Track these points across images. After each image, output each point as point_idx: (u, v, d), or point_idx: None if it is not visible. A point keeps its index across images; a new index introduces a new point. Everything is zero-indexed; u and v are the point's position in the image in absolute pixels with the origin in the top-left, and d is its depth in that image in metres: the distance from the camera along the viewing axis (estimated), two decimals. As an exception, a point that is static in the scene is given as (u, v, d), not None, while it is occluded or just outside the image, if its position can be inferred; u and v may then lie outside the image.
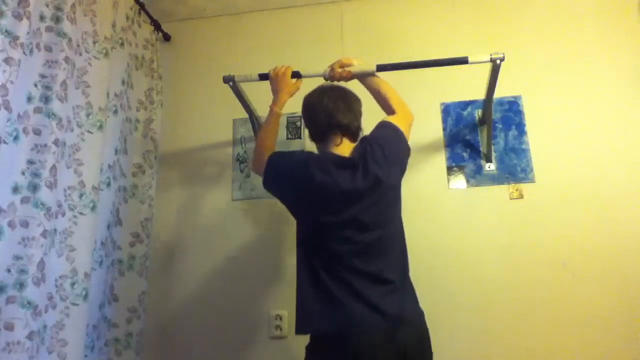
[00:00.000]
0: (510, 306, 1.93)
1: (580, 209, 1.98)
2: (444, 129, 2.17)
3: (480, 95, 1.96)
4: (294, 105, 2.33)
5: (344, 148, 1.55)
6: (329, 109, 1.56)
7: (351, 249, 1.43)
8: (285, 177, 1.56)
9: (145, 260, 2.12)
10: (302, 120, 2.25)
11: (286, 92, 1.75)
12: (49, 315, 1.56)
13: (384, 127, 1.61)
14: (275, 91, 1.75)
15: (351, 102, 1.60)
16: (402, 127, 1.61)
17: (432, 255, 2.00)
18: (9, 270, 1.42)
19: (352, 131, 1.57)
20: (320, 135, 1.59)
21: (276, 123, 1.72)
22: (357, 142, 1.58)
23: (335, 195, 1.45)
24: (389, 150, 1.52)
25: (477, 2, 2.31)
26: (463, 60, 1.73)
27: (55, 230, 1.61)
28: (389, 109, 1.69)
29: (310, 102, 1.62)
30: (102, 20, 1.91)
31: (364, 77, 1.75)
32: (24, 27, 1.49)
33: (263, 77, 1.83)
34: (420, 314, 1.47)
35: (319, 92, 1.62)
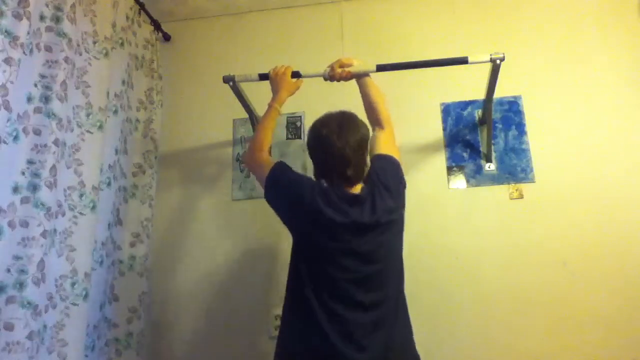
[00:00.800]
0: (510, 306, 1.93)
1: (580, 209, 1.98)
2: (444, 129, 2.17)
3: (480, 95, 1.96)
4: (294, 105, 2.33)
5: (354, 187, 1.49)
6: (345, 156, 1.44)
7: (348, 277, 1.40)
8: (288, 199, 1.51)
9: (145, 260, 2.12)
10: (302, 123, 2.28)
11: (286, 91, 1.75)
12: (49, 315, 1.56)
13: (385, 161, 1.56)
14: (275, 90, 1.75)
15: (363, 142, 1.50)
16: (396, 153, 1.60)
17: (432, 255, 2.00)
18: (9, 270, 1.43)
19: (363, 177, 1.50)
20: (331, 179, 1.48)
21: (274, 120, 1.71)
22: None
23: (342, 229, 1.41)
24: (392, 186, 1.50)
25: (477, 2, 2.31)
26: (463, 60, 1.73)
27: (55, 230, 1.61)
28: (376, 121, 1.67)
29: (321, 142, 1.47)
30: (102, 20, 1.91)
31: (362, 77, 1.75)
32: (24, 27, 1.49)
33: (263, 77, 1.83)
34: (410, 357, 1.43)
35: (328, 128, 1.47)
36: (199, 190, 2.27)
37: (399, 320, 1.44)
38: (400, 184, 1.55)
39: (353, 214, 1.41)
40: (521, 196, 2.04)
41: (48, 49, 1.63)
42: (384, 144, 1.61)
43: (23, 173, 1.50)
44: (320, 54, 2.28)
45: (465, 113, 2.18)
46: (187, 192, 2.28)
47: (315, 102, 2.22)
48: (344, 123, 1.48)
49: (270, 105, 1.71)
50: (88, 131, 1.78)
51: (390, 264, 1.46)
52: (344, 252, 1.41)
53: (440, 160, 2.14)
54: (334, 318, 1.37)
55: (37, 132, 1.55)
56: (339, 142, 1.44)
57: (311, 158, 1.55)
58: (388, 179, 1.50)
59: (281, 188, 1.52)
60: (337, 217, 1.40)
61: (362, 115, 1.62)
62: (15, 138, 1.49)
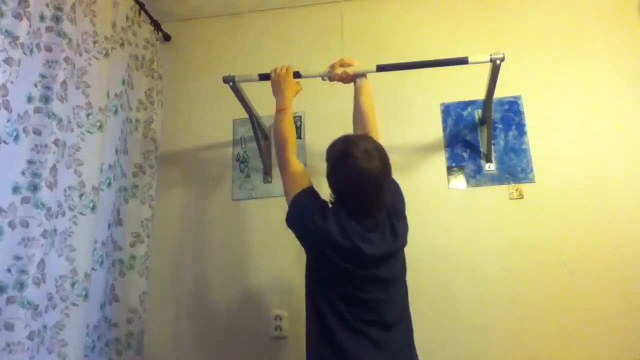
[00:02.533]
0: (510, 306, 1.93)
1: (580, 209, 1.98)
2: (444, 129, 2.17)
3: (480, 95, 1.96)
4: (294, 105, 2.32)
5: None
6: (382, 193, 1.40)
7: (377, 300, 1.39)
8: (312, 228, 1.39)
9: (145, 260, 2.12)
10: (302, 123, 2.27)
11: (292, 91, 1.71)
12: (49, 316, 1.56)
13: (392, 183, 1.52)
14: (279, 91, 1.70)
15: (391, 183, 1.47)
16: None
17: (432, 255, 2.00)
18: (9, 270, 1.43)
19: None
20: (358, 211, 1.40)
21: (292, 121, 1.64)
22: None
23: (371, 260, 1.38)
24: (401, 208, 1.51)
25: (477, 2, 2.31)
26: (463, 61, 1.73)
27: (55, 230, 1.61)
28: (365, 128, 1.64)
29: (363, 177, 1.36)
30: (102, 20, 1.91)
31: (362, 78, 1.74)
32: (24, 27, 1.50)
33: (263, 77, 1.83)
34: None
35: (370, 163, 1.35)
36: (199, 190, 2.27)
37: (409, 324, 1.46)
38: (404, 203, 1.55)
39: (379, 243, 1.39)
40: (521, 196, 2.04)
41: (48, 49, 1.63)
42: None
43: (23, 173, 1.50)
44: (320, 54, 2.28)
45: (465, 113, 2.18)
46: (187, 192, 2.28)
47: (315, 102, 2.23)
48: (384, 158, 1.39)
49: (283, 110, 1.65)
50: (88, 131, 1.78)
51: (404, 279, 1.48)
52: (371, 279, 1.39)
53: (440, 160, 2.13)
54: (368, 342, 1.35)
55: (37, 132, 1.55)
56: (380, 181, 1.37)
57: (338, 185, 1.42)
58: (398, 202, 1.51)
59: (308, 224, 1.39)
60: (366, 248, 1.36)
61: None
62: (16, 138, 1.49)
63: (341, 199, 1.42)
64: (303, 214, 1.41)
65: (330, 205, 1.44)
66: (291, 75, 1.73)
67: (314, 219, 1.38)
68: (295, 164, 1.53)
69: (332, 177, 1.42)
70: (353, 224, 1.37)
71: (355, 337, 1.35)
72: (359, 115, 1.70)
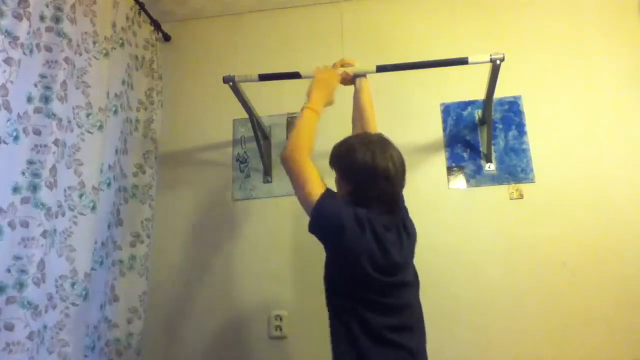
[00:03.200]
0: (510, 306, 1.93)
1: (580, 209, 1.98)
2: (444, 129, 2.17)
3: (480, 95, 1.96)
4: (294, 105, 2.32)
5: None
6: (400, 191, 1.39)
7: (405, 305, 1.37)
8: (350, 239, 1.29)
9: (145, 261, 2.12)
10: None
11: (330, 99, 1.59)
12: (49, 316, 1.56)
13: None
14: (321, 93, 1.55)
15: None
16: None
17: (432, 255, 1.99)
18: (9, 271, 1.43)
19: None
20: (386, 209, 1.37)
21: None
22: None
23: (397, 265, 1.35)
24: (404, 204, 1.50)
25: (477, 2, 2.31)
26: (463, 61, 1.73)
27: (55, 230, 1.61)
28: (365, 128, 1.64)
29: (389, 178, 1.34)
30: (102, 20, 1.91)
31: (362, 79, 1.74)
32: (24, 27, 1.50)
33: (263, 77, 1.83)
34: None
35: (394, 165, 1.35)
36: (199, 190, 2.27)
37: (424, 324, 1.46)
38: (404, 201, 1.54)
39: (399, 245, 1.36)
40: (521, 196, 2.04)
41: (48, 49, 1.63)
42: None
43: (23, 173, 1.50)
44: (320, 54, 2.27)
45: (465, 113, 2.18)
46: (187, 192, 2.28)
47: (315, 102, 2.22)
48: (402, 160, 1.39)
49: (315, 111, 1.50)
50: (88, 131, 1.78)
51: (417, 289, 1.47)
52: (397, 285, 1.36)
53: (440, 160, 2.14)
54: (398, 349, 1.33)
55: (37, 132, 1.55)
56: (402, 182, 1.38)
57: (359, 183, 1.36)
58: (403, 200, 1.50)
59: (346, 236, 1.29)
60: (396, 256, 1.33)
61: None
62: (15, 138, 1.48)
63: (365, 198, 1.35)
64: (338, 224, 1.29)
65: (354, 207, 1.34)
66: (338, 82, 1.62)
67: (353, 230, 1.28)
68: (312, 164, 1.40)
69: (359, 175, 1.35)
70: (383, 230, 1.32)
71: (384, 344, 1.31)
72: (358, 114, 1.70)
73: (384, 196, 1.36)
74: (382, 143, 1.38)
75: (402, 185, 1.40)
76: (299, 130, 1.45)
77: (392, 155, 1.36)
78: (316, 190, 1.33)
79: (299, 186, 1.37)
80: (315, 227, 1.34)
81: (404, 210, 1.48)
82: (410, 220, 1.47)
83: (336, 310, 1.36)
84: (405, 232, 1.40)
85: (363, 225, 1.29)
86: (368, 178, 1.34)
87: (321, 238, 1.36)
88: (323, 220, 1.32)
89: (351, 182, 1.38)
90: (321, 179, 1.37)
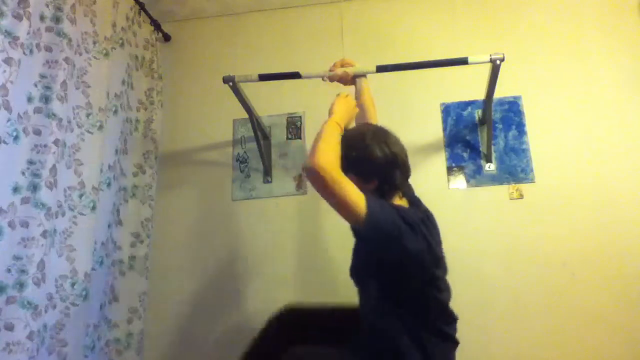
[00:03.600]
0: (510, 306, 1.93)
1: (580, 209, 1.98)
2: (444, 129, 2.17)
3: (480, 95, 1.96)
4: (294, 105, 2.33)
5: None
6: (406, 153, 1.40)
7: (445, 296, 1.40)
8: (413, 247, 1.26)
9: (145, 260, 2.12)
10: (302, 122, 2.27)
11: (352, 121, 1.50)
12: (49, 316, 1.56)
13: None
14: (344, 110, 1.46)
15: None
16: None
17: (432, 255, 1.99)
18: (9, 271, 1.43)
19: None
20: (402, 184, 1.38)
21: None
22: None
23: (441, 254, 1.41)
24: None
25: (477, 2, 2.31)
26: (463, 61, 1.73)
27: (55, 230, 1.61)
28: None
29: (405, 160, 1.37)
30: (102, 20, 1.91)
31: (362, 79, 1.74)
32: (24, 27, 1.49)
33: (263, 77, 1.83)
34: None
35: (391, 135, 1.39)
36: (199, 190, 2.27)
37: None
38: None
39: (439, 240, 1.42)
40: (521, 196, 2.04)
41: (48, 49, 1.63)
42: None
43: (23, 173, 1.50)
44: (320, 54, 2.28)
45: (465, 113, 2.18)
46: (187, 192, 2.28)
47: (315, 102, 2.23)
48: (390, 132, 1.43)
49: (340, 125, 1.39)
50: (88, 131, 1.78)
51: None
52: (444, 276, 1.41)
53: (440, 160, 2.14)
54: (451, 343, 1.41)
55: (37, 132, 1.55)
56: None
57: (383, 177, 1.34)
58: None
59: (411, 244, 1.25)
60: (438, 249, 1.38)
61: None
62: (15, 138, 1.48)
63: (391, 189, 1.36)
64: (395, 233, 1.24)
65: (397, 207, 1.32)
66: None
67: (415, 234, 1.26)
68: (346, 177, 1.26)
69: (381, 168, 1.33)
70: (426, 225, 1.33)
71: (444, 339, 1.37)
72: (361, 114, 1.70)
73: (405, 180, 1.39)
74: (381, 130, 1.40)
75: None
76: (328, 143, 1.30)
77: (396, 137, 1.40)
78: (360, 204, 1.22)
79: (341, 206, 1.24)
80: (372, 242, 1.29)
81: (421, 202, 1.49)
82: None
83: (387, 310, 1.33)
84: (431, 222, 1.42)
85: (415, 224, 1.27)
86: (390, 168, 1.33)
87: (377, 248, 1.31)
88: (379, 232, 1.24)
89: (374, 179, 1.34)
90: (355, 187, 1.26)
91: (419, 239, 1.26)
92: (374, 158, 1.32)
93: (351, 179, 1.25)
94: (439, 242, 1.40)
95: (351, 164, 1.31)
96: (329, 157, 1.25)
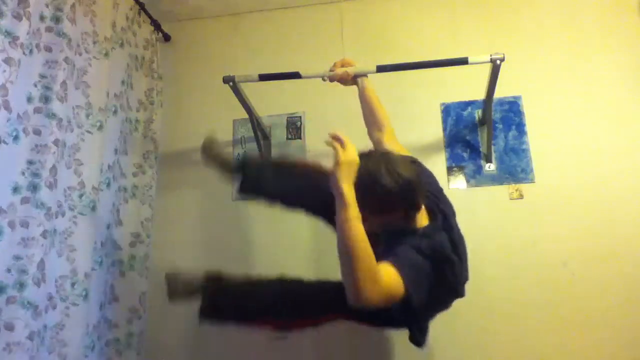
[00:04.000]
0: (510, 306, 1.93)
1: (580, 209, 1.98)
2: (444, 129, 2.17)
3: (480, 95, 1.96)
4: (294, 105, 2.33)
5: None
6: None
7: None
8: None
9: (145, 261, 2.12)
10: (302, 123, 2.26)
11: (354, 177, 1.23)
12: (49, 316, 1.56)
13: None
14: (349, 179, 1.20)
15: None
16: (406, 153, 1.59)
17: (432, 255, 1.99)
18: (9, 271, 1.43)
19: None
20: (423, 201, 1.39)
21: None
22: None
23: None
24: None
25: (477, 2, 2.31)
26: (463, 61, 1.73)
27: (55, 230, 1.61)
28: (382, 125, 1.64)
29: (407, 169, 1.30)
30: (102, 20, 1.91)
31: (362, 78, 1.74)
32: (24, 27, 1.50)
33: (263, 77, 1.83)
34: None
35: (399, 160, 1.33)
36: (199, 190, 2.27)
37: None
38: None
39: None
40: (521, 196, 2.04)
41: (48, 49, 1.63)
42: (388, 139, 1.63)
43: (23, 173, 1.50)
44: (320, 54, 2.28)
45: (465, 113, 2.18)
46: (187, 192, 2.28)
47: (315, 102, 2.23)
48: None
49: (358, 215, 1.17)
50: (88, 131, 1.78)
51: None
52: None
53: (440, 160, 2.13)
54: None
55: (37, 132, 1.55)
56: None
57: (406, 202, 1.31)
58: None
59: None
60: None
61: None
62: (15, 138, 1.48)
63: (415, 210, 1.35)
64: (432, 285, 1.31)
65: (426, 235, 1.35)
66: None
67: (445, 276, 1.37)
68: (382, 273, 1.17)
69: (403, 195, 1.28)
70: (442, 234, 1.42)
71: None
72: (369, 111, 1.69)
73: (424, 196, 1.38)
74: (389, 159, 1.30)
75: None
76: (359, 258, 1.13)
77: (403, 159, 1.37)
78: (400, 291, 1.21)
79: (388, 303, 1.22)
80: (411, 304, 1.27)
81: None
82: None
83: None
84: (455, 232, 1.53)
85: (444, 266, 1.37)
86: (410, 194, 1.30)
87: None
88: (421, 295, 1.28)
89: (398, 211, 1.32)
90: (392, 276, 1.20)
91: (448, 275, 1.37)
92: (393, 193, 1.26)
93: (376, 219, 1.27)
94: (463, 252, 1.48)
95: (375, 208, 1.27)
96: (368, 286, 1.13)
